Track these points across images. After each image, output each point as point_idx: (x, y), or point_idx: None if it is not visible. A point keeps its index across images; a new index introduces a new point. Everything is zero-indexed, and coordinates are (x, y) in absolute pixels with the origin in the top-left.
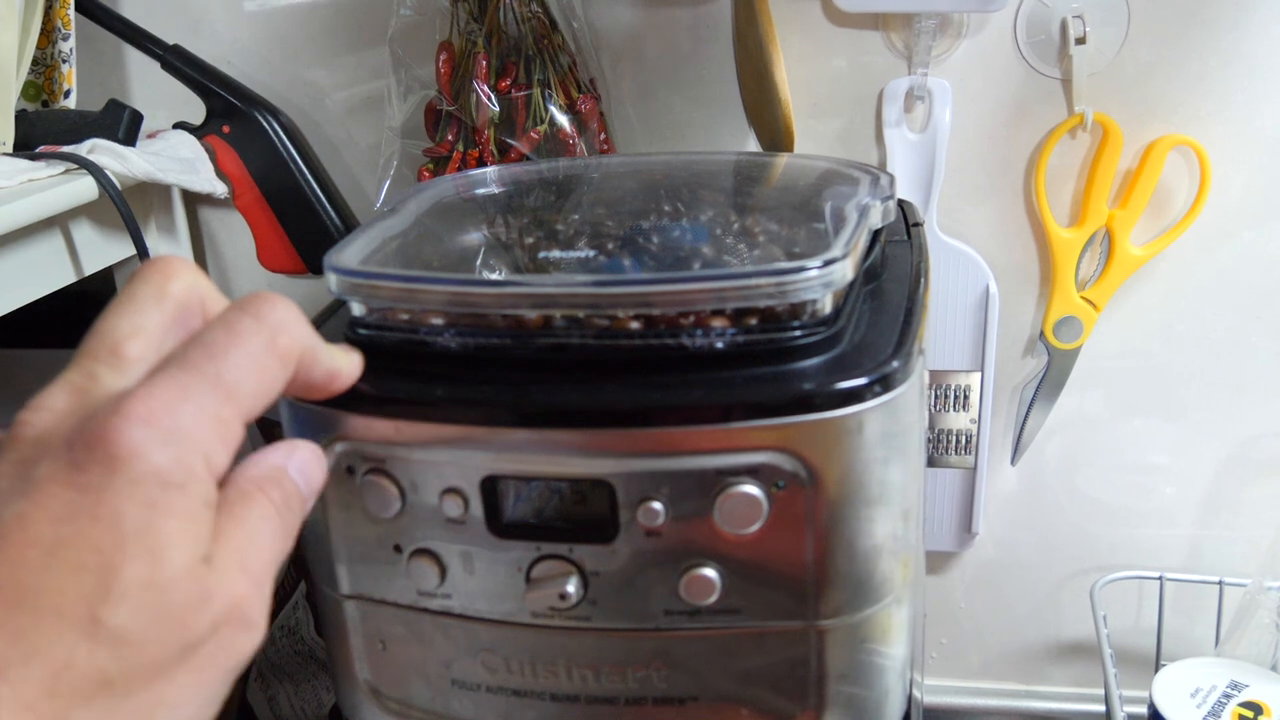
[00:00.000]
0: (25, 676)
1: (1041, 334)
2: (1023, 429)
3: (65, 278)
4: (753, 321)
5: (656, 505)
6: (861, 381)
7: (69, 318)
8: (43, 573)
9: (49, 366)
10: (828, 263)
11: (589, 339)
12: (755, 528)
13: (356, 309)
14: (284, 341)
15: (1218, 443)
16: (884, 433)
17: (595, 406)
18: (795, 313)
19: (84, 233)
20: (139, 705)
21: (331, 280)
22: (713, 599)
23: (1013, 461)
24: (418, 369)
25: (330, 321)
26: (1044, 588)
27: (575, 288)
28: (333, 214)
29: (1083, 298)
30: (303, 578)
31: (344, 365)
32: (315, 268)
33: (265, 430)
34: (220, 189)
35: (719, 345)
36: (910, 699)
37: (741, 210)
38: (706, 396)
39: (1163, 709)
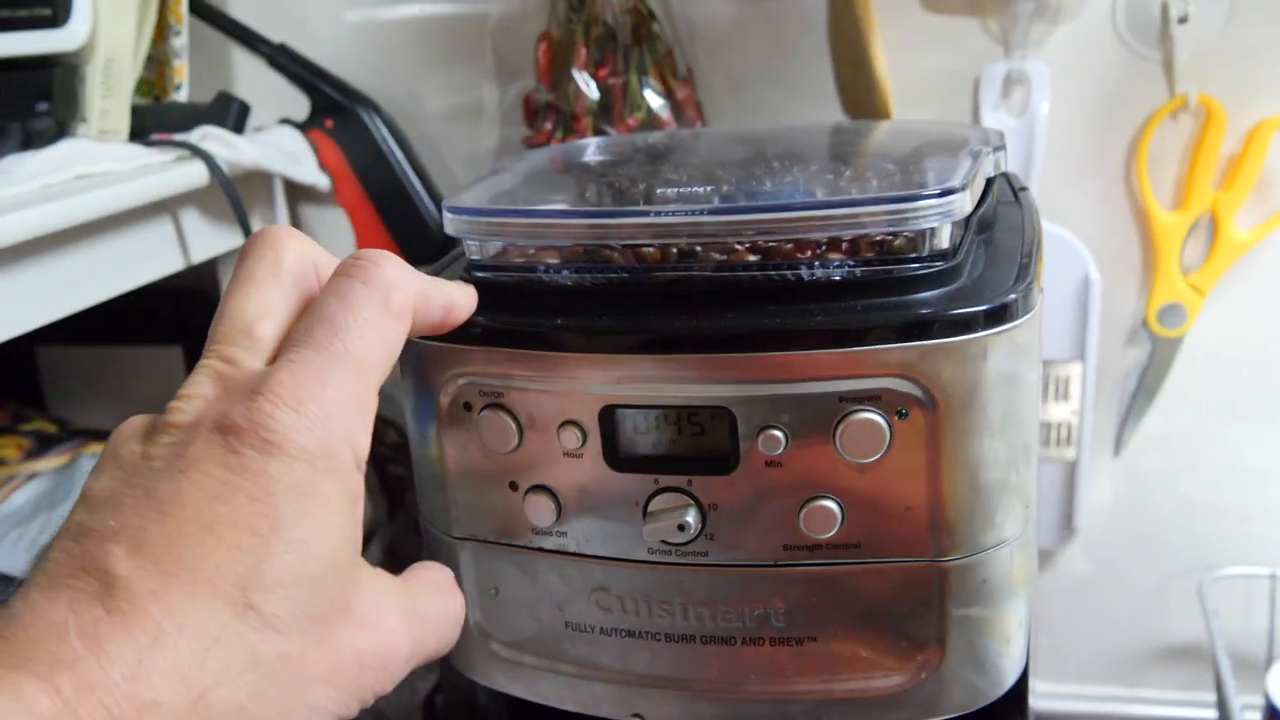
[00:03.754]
0: (178, 646)
1: (1144, 321)
2: (1125, 420)
3: (173, 264)
4: (870, 254)
5: (777, 433)
6: (984, 308)
7: (171, 316)
8: (199, 549)
9: (154, 363)
10: (946, 192)
11: (707, 272)
12: (877, 456)
13: (472, 250)
14: (397, 299)
15: None
16: (1006, 363)
17: (714, 332)
18: (913, 245)
19: (192, 220)
20: (284, 695)
21: (448, 221)
22: (833, 533)
23: (1115, 453)
24: (535, 306)
25: (443, 275)
26: (1146, 586)
27: (693, 216)
28: (431, 208)
29: (1187, 284)
30: None
31: (458, 296)
32: (414, 260)
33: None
34: (323, 182)
35: (836, 277)
36: (1028, 658)
37: (852, 160)
38: (827, 320)
39: None
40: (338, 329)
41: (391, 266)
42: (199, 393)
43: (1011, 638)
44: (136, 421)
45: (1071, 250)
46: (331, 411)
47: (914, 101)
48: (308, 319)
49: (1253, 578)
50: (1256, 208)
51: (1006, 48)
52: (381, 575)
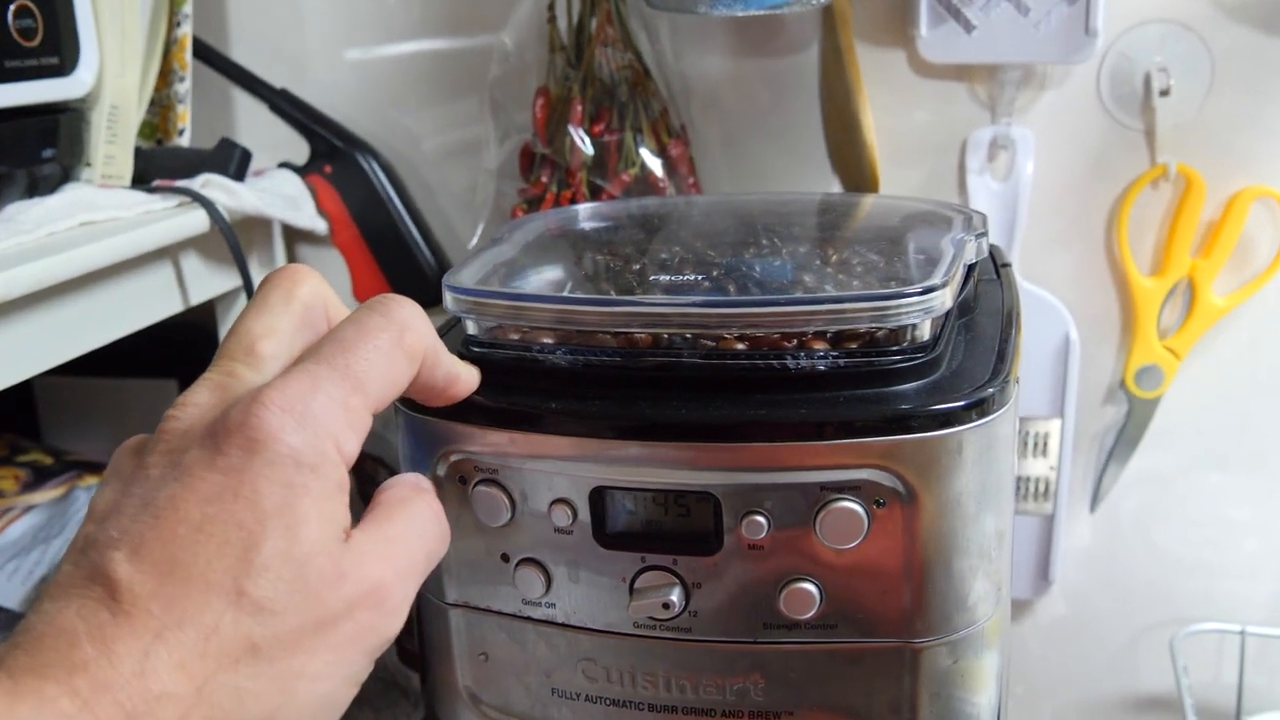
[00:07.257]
0: (179, 640)
1: (1122, 382)
2: (1102, 477)
3: (173, 307)
4: (853, 345)
5: (760, 519)
6: (961, 405)
7: (166, 349)
8: (192, 547)
9: (149, 395)
10: (927, 290)
11: (696, 358)
12: (855, 544)
13: (471, 327)
14: (410, 338)
15: None
16: (980, 456)
17: (702, 421)
18: (895, 338)
19: (192, 264)
20: (281, 672)
21: (449, 299)
22: (811, 614)
23: (1091, 509)
24: (529, 385)
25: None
26: (1120, 639)
27: (685, 308)
28: (426, 252)
29: (1164, 346)
30: None
31: (463, 372)
32: None
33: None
34: (321, 226)
35: (820, 367)
36: None
37: (839, 243)
38: (811, 414)
39: None
40: (346, 348)
41: (412, 310)
42: (194, 400)
43: (982, 712)
44: (135, 439)
45: (1053, 311)
46: (319, 414)
47: (902, 162)
48: (321, 339)
49: (1223, 633)
50: (1233, 274)
51: (993, 113)
52: (352, 533)
